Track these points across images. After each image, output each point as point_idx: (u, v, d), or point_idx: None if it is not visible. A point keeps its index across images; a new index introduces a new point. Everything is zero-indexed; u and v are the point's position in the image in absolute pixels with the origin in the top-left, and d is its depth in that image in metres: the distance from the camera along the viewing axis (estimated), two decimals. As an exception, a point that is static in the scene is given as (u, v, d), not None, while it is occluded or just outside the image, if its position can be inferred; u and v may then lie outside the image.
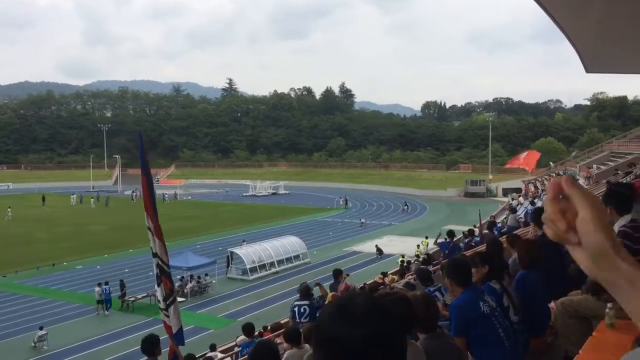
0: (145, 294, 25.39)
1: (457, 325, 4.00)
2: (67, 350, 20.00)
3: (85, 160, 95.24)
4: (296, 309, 10.69)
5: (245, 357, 8.07)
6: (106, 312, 24.47)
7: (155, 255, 7.14)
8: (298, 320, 10.57)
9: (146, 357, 6.97)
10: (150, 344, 7.06)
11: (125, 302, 25.12)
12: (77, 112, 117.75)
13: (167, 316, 7.68)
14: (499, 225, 23.37)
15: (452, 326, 4.07)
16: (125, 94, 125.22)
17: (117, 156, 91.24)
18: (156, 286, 7.79)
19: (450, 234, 17.75)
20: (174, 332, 7.38)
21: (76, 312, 24.61)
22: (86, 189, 76.30)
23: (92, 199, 62.74)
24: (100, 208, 60.31)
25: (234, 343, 14.15)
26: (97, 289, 24.61)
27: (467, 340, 3.99)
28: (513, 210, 25.35)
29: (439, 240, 19.72)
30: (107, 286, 24.96)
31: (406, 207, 59.60)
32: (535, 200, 31.56)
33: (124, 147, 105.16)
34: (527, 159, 46.83)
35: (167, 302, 7.36)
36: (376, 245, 36.14)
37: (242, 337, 14.90)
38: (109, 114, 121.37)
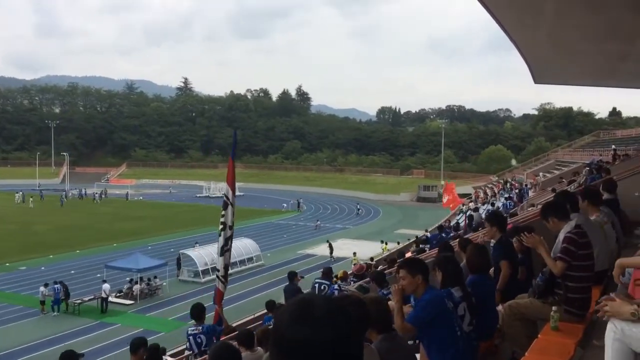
0: (92, 297, 24.62)
1: (423, 316, 4.03)
2: (8, 354, 19.14)
3: (32, 157, 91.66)
4: (317, 285, 11.67)
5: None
6: (56, 312, 23.75)
7: (230, 227, 9.74)
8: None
9: (194, 322, 8.32)
10: (199, 310, 8.30)
11: (67, 304, 24.31)
12: (23, 107, 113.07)
13: (224, 284, 9.90)
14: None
15: (418, 315, 4.09)
16: (75, 90, 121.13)
17: (65, 154, 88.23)
18: (219, 256, 9.97)
19: (440, 228, 22.14)
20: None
21: (18, 314, 23.62)
22: (32, 187, 73.40)
23: (31, 198, 60.10)
24: (45, 207, 58.16)
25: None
26: (42, 289, 23.69)
27: (416, 332, 4.08)
28: (476, 209, 26.53)
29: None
30: (58, 285, 24.13)
31: (360, 210, 60.23)
32: (493, 202, 32.53)
33: (73, 145, 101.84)
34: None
35: (229, 272, 9.77)
36: (327, 240, 37.20)
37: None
38: (57, 110, 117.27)
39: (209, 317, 9.87)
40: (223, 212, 9.88)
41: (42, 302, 23.67)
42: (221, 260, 9.83)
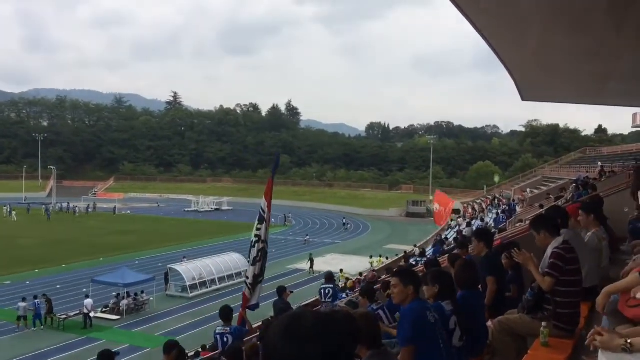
0: (78, 312, 24.25)
1: (409, 331, 4.00)
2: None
3: (18, 170, 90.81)
4: (322, 290, 12.74)
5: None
6: (36, 327, 23.43)
7: (263, 241, 10.69)
8: (323, 300, 12.81)
9: (222, 323, 9.35)
10: (227, 312, 9.42)
11: (51, 318, 23.98)
12: (11, 121, 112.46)
13: (250, 291, 10.82)
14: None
15: (404, 333, 4.06)
16: (64, 103, 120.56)
17: (52, 167, 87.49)
18: (250, 265, 11.01)
19: (441, 242, 23.74)
20: (252, 303, 10.84)
21: (3, 329, 23.22)
22: (18, 201, 72.60)
23: (14, 212, 59.29)
24: (31, 221, 57.56)
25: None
26: (21, 304, 23.27)
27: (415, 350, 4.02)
28: (469, 224, 26.95)
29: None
30: (38, 300, 23.80)
31: (349, 224, 60.22)
32: (482, 218, 32.66)
33: (60, 158, 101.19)
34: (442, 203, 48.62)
35: (259, 280, 10.68)
36: (310, 254, 37.68)
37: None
38: (45, 124, 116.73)
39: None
40: (259, 226, 10.74)
41: (23, 317, 23.18)
42: (251, 269, 10.79)
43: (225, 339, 9.02)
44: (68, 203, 68.98)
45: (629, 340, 2.67)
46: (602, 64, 8.78)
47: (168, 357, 7.55)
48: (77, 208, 66.08)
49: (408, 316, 4.10)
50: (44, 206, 64.82)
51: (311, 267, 35.72)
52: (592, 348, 2.81)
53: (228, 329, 9.15)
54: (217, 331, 9.29)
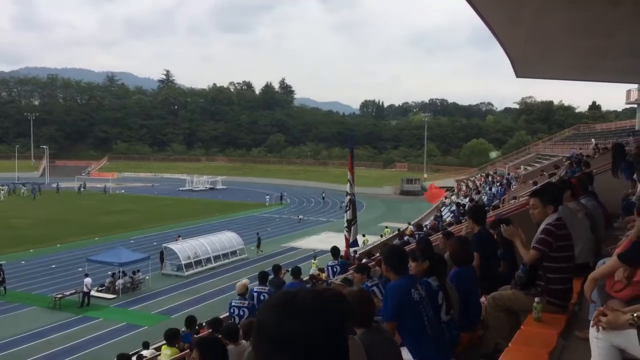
0: (74, 291, 24.32)
1: (392, 308, 4.08)
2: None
3: (10, 150, 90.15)
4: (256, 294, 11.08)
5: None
6: None
7: (350, 194, 16.81)
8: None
9: (333, 259, 12.65)
10: (337, 250, 12.76)
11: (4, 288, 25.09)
12: (1, 100, 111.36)
13: (348, 232, 16.72)
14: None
15: (387, 310, 4.13)
16: (55, 82, 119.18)
17: (44, 147, 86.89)
18: (345, 211, 17.50)
19: (441, 217, 23.91)
20: (350, 241, 16.78)
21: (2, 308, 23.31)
22: (11, 180, 72.18)
23: (1, 192, 59.06)
24: (21, 201, 57.34)
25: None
26: None
27: (397, 326, 4.11)
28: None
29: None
30: None
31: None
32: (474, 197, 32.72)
33: (52, 138, 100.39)
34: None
35: (352, 223, 16.41)
36: (257, 232, 37.09)
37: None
38: (36, 103, 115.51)
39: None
40: (348, 185, 16.35)
41: None
42: (345, 216, 15.61)
43: (335, 269, 11.81)
44: (58, 184, 68.39)
45: (635, 314, 2.67)
46: (598, 40, 8.72)
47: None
48: (29, 186, 63.27)
49: (392, 293, 4.16)
50: (20, 185, 64.94)
51: (258, 245, 35.42)
52: (598, 330, 2.79)
53: (337, 261, 12.06)
54: (329, 264, 12.20)
